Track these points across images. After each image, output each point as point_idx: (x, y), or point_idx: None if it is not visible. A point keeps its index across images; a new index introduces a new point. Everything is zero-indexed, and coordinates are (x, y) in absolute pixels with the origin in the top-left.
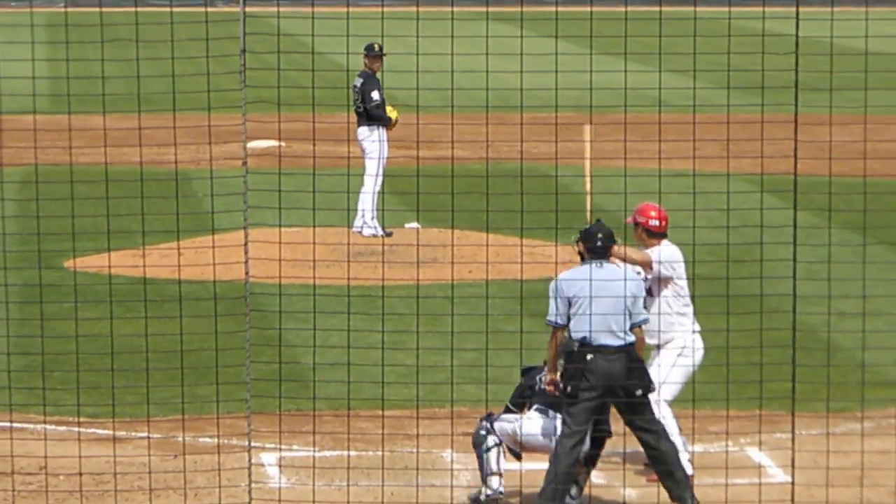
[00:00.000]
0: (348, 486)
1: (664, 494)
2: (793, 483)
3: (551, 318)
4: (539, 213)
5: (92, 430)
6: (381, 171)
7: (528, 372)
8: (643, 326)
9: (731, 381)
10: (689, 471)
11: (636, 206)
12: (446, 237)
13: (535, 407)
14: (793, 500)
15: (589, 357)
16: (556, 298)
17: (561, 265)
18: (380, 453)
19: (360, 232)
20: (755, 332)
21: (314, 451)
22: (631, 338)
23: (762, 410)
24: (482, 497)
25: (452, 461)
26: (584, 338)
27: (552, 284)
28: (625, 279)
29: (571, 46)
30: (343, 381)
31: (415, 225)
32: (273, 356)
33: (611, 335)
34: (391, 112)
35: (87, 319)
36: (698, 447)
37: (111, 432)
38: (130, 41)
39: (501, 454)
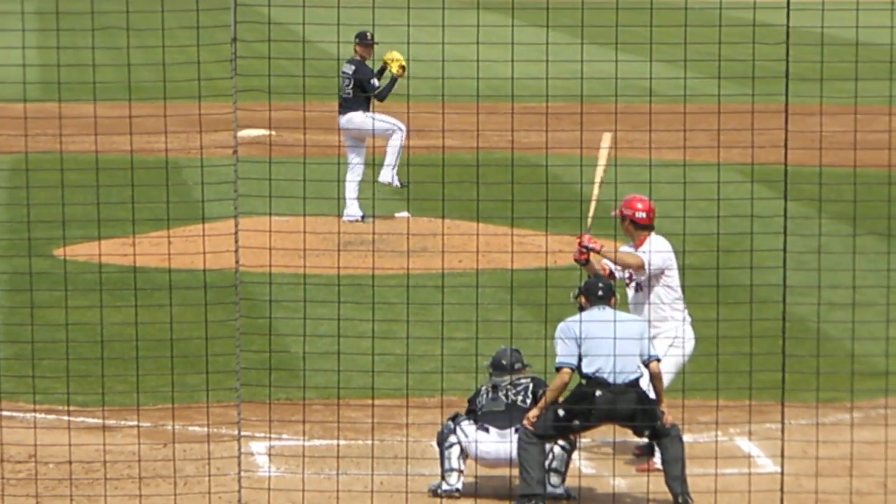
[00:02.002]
0: (338, 475)
1: (654, 484)
2: (782, 473)
3: (563, 359)
4: (529, 202)
5: (81, 418)
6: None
7: (498, 367)
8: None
9: (721, 371)
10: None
11: (623, 197)
12: (436, 226)
13: (474, 419)
14: (782, 489)
15: (598, 393)
16: (565, 340)
17: (551, 254)
18: (369, 442)
19: (362, 219)
20: (745, 322)
21: (304, 440)
22: (638, 373)
23: (752, 400)
24: (440, 490)
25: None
26: (593, 374)
27: (560, 326)
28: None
29: (562, 36)
30: (333, 370)
31: (405, 214)
32: (263, 345)
33: (620, 374)
34: (393, 64)
35: (76, 308)
36: (688, 437)
37: (101, 421)
38: (121, 29)
39: (461, 453)
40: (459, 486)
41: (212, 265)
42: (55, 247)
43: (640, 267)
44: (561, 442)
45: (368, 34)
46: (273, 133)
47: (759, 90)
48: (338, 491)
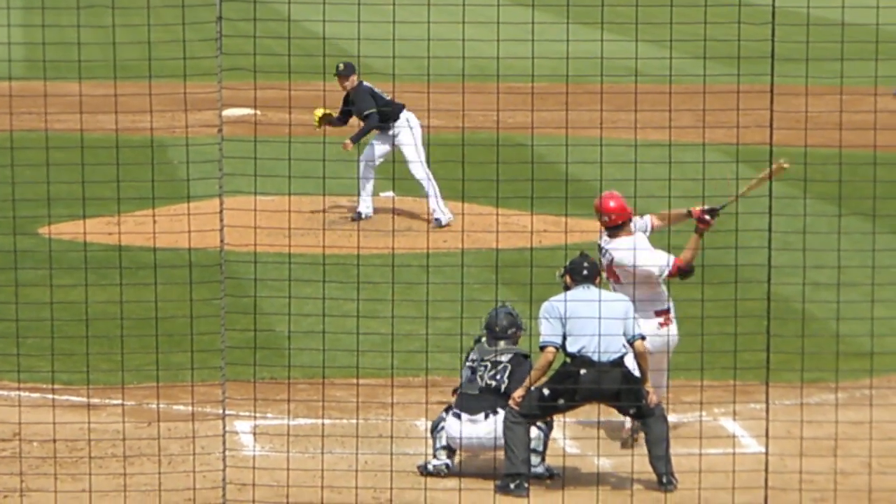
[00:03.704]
0: (322, 454)
1: (638, 463)
2: (766, 453)
3: (547, 338)
4: (515, 182)
5: (66, 396)
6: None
7: (491, 332)
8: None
9: (706, 351)
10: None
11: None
12: (421, 206)
13: (448, 408)
14: (766, 470)
15: (583, 372)
16: (549, 319)
17: (536, 234)
18: (354, 422)
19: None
20: (730, 302)
21: (288, 419)
22: (623, 352)
23: (736, 381)
24: (430, 467)
25: (427, 430)
26: (578, 352)
27: (544, 306)
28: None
29: (548, 16)
30: (317, 349)
31: (390, 194)
32: (248, 324)
33: (605, 353)
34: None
35: (61, 286)
36: (672, 417)
37: (85, 399)
38: (106, 7)
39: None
40: (450, 463)
41: (196, 244)
42: (40, 225)
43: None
44: (538, 422)
45: (340, 65)
46: (258, 112)
47: (744, 70)
48: (322, 470)
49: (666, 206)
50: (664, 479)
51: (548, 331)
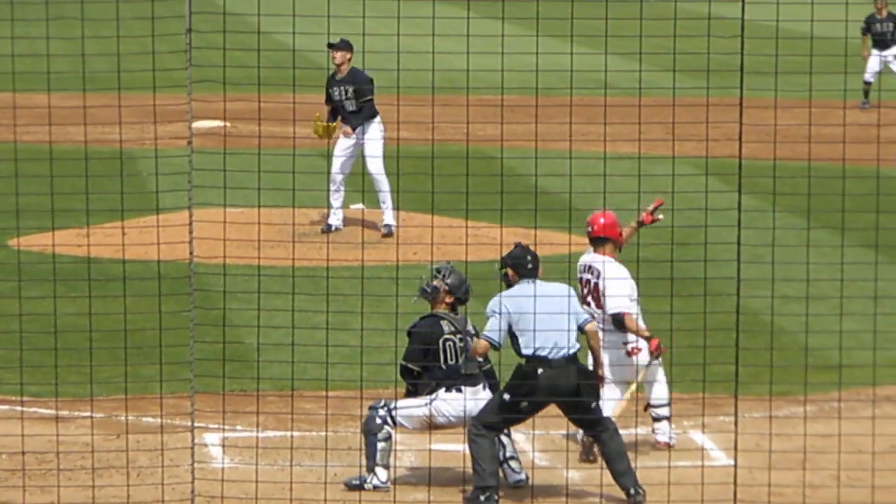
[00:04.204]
0: (291, 466)
1: (607, 476)
2: (735, 466)
3: (490, 333)
4: (484, 194)
5: (35, 409)
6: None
7: (414, 334)
8: (591, 325)
9: (675, 363)
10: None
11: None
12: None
13: (445, 388)
14: (735, 482)
15: (539, 371)
16: (499, 315)
17: (506, 247)
18: (323, 434)
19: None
20: (699, 315)
21: (257, 431)
22: (577, 347)
23: (705, 393)
24: (367, 485)
25: (395, 442)
26: (534, 352)
27: (494, 301)
28: (568, 295)
29: (518, 28)
30: (287, 361)
31: (360, 206)
32: (217, 336)
33: (558, 348)
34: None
35: (30, 298)
36: (642, 430)
37: (54, 411)
38: (75, 19)
39: (392, 448)
40: (389, 483)
41: (166, 256)
42: (9, 237)
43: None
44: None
45: (339, 39)
46: (228, 124)
47: (713, 83)
48: (291, 482)
49: (634, 218)
50: (632, 492)
51: (492, 326)
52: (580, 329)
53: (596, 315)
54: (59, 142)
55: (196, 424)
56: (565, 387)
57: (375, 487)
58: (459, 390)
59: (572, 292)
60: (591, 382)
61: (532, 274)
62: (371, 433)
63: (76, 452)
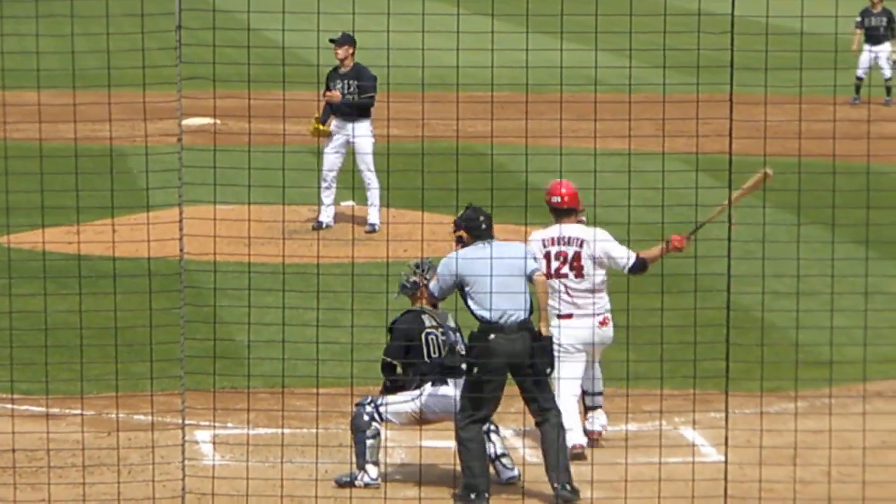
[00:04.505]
0: (282, 463)
1: (598, 472)
2: (726, 462)
3: (432, 288)
4: (474, 191)
5: (25, 406)
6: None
7: (396, 330)
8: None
9: (665, 360)
10: (574, 439)
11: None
12: (382, 215)
13: (431, 382)
14: (726, 478)
15: (491, 337)
16: (446, 275)
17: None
18: (314, 431)
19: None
20: (690, 311)
21: (248, 428)
22: (529, 311)
23: (696, 389)
24: (357, 482)
25: (386, 439)
26: (485, 317)
27: (445, 260)
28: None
29: (508, 25)
30: (277, 358)
31: (350, 203)
32: (207, 333)
33: (510, 313)
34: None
35: (20, 296)
36: (632, 426)
37: (45, 409)
38: (65, 17)
39: (381, 444)
40: (379, 480)
41: (156, 253)
42: None
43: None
44: (491, 427)
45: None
46: (218, 121)
47: (703, 80)
48: (282, 479)
49: (625, 214)
50: (557, 487)
51: (437, 284)
52: (528, 278)
53: (572, 285)
54: (48, 139)
55: (187, 421)
56: (520, 351)
57: (366, 484)
58: (445, 383)
59: (529, 252)
60: (545, 346)
61: (486, 235)
62: (359, 430)
63: (67, 450)
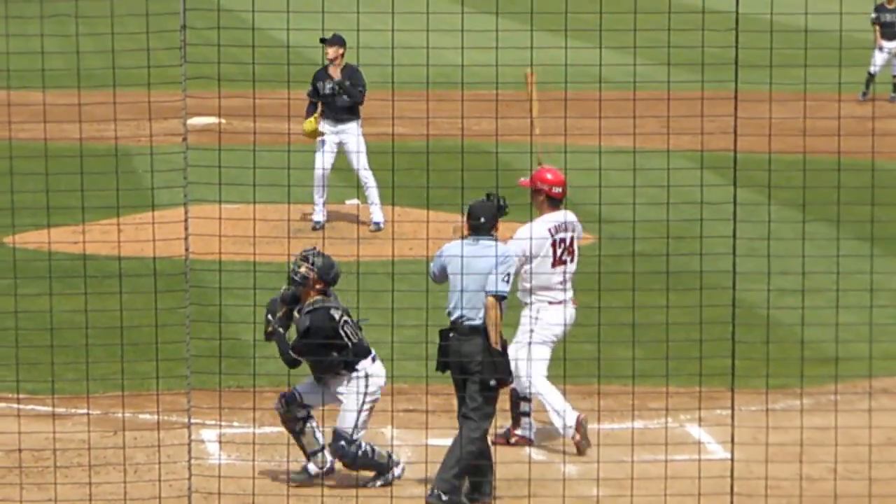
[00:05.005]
0: (288, 462)
1: (604, 471)
2: (732, 459)
3: (434, 271)
4: (480, 189)
5: (31, 406)
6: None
7: (312, 331)
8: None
9: (671, 357)
10: (571, 418)
11: (539, 169)
12: (387, 214)
13: (369, 360)
14: (732, 476)
15: (451, 335)
16: (437, 266)
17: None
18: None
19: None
20: (695, 308)
21: (254, 427)
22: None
23: (702, 387)
24: (314, 472)
25: (392, 437)
26: (450, 314)
27: (438, 252)
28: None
29: (512, 23)
30: None
31: (355, 202)
32: (213, 332)
33: (471, 313)
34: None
35: (26, 295)
36: (638, 423)
37: (51, 408)
38: (70, 17)
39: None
40: (331, 460)
41: (162, 253)
42: (5, 234)
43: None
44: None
45: (333, 35)
46: (223, 121)
47: (708, 77)
48: (288, 478)
49: (630, 212)
50: (434, 491)
51: (432, 267)
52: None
53: (569, 271)
54: (54, 139)
55: (193, 421)
56: (468, 353)
57: (324, 471)
58: (374, 358)
59: (504, 260)
60: (497, 359)
61: (482, 230)
62: (368, 462)
63: (73, 449)
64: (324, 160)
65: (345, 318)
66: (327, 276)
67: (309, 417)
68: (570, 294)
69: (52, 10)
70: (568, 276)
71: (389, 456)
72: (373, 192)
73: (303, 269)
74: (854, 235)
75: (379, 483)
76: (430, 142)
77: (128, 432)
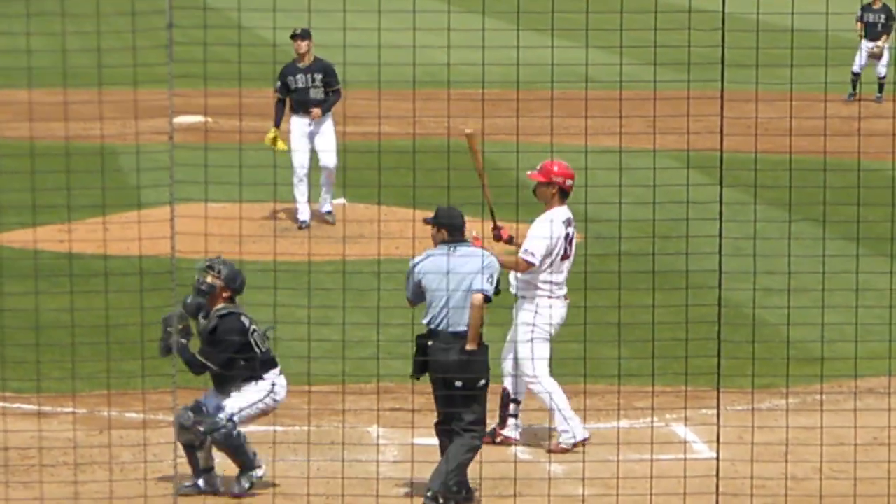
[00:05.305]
0: (274, 461)
1: (590, 470)
2: (718, 458)
3: (408, 293)
4: (466, 189)
5: (17, 404)
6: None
7: (226, 337)
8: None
9: (657, 356)
10: (581, 434)
11: (547, 162)
12: (373, 213)
13: (275, 370)
14: (717, 475)
15: (429, 344)
16: (411, 284)
17: (487, 241)
18: (306, 428)
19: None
20: (681, 308)
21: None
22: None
23: (688, 386)
24: (250, 482)
25: (378, 436)
26: (429, 323)
27: (409, 269)
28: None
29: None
30: None
31: (342, 200)
32: None
33: (451, 322)
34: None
35: (12, 294)
36: (624, 423)
37: (36, 407)
38: (56, 15)
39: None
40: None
41: (148, 251)
42: None
43: (518, 269)
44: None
45: (298, 29)
46: (209, 119)
47: (694, 76)
48: (274, 477)
49: (616, 211)
50: (429, 494)
51: (407, 287)
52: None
53: (569, 265)
54: (40, 137)
55: None
56: (448, 361)
57: (259, 479)
58: (280, 372)
59: (486, 265)
60: (476, 360)
61: (458, 237)
62: (237, 446)
63: (59, 448)
64: (301, 157)
65: (253, 326)
66: (233, 283)
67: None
68: (565, 290)
69: (37, 8)
70: (568, 271)
71: (255, 454)
72: (331, 189)
73: (209, 279)
74: (840, 235)
75: (240, 488)
76: (416, 141)
77: (114, 431)
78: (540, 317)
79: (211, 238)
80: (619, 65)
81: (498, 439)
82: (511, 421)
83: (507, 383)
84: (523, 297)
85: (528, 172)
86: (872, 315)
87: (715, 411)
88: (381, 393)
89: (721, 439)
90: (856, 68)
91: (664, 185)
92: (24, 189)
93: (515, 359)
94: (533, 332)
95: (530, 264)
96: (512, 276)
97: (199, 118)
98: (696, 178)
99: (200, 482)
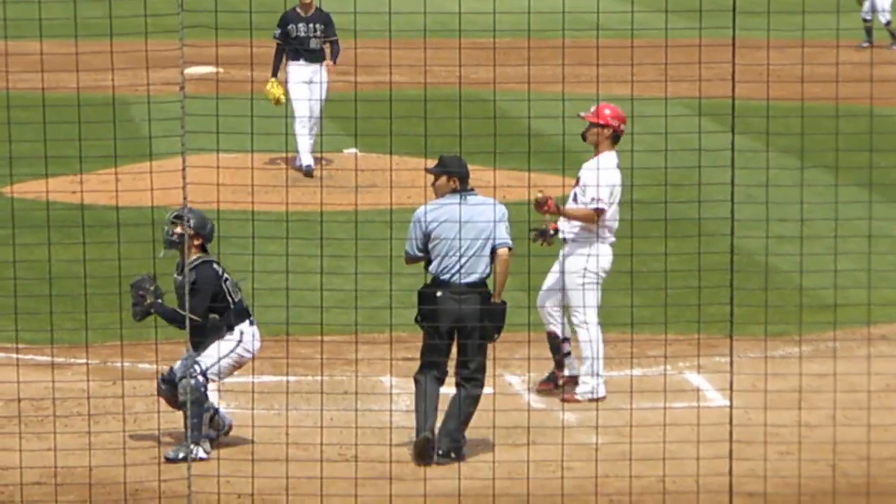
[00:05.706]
0: (287, 411)
1: (603, 417)
2: (731, 406)
3: (406, 244)
4: (478, 137)
5: (30, 356)
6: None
7: (201, 286)
8: (504, 249)
9: (670, 304)
10: (601, 392)
11: (599, 105)
12: (385, 162)
13: (246, 322)
14: (731, 423)
15: (438, 294)
16: (417, 234)
17: (500, 189)
18: (319, 378)
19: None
20: (693, 255)
21: (253, 376)
22: (485, 273)
23: (701, 334)
24: (191, 457)
25: (391, 386)
26: (437, 273)
27: (414, 219)
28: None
29: None
30: (282, 306)
31: (353, 150)
32: None
33: (465, 273)
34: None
35: (24, 245)
36: (637, 371)
37: (50, 358)
38: None
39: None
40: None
41: (160, 202)
42: (3, 184)
43: (592, 220)
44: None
45: None
46: (220, 70)
47: (706, 24)
48: (287, 427)
49: (629, 160)
50: (440, 451)
51: (408, 235)
52: (493, 251)
53: None
54: (51, 89)
55: None
56: (466, 312)
57: (201, 459)
58: (252, 322)
59: (501, 215)
60: (496, 311)
61: (465, 186)
62: (199, 403)
63: (72, 399)
64: (305, 106)
65: (225, 275)
66: (203, 230)
67: (210, 406)
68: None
69: None
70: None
71: (211, 439)
72: (309, 139)
73: (178, 230)
74: (853, 182)
75: (171, 455)
76: (427, 90)
77: (127, 382)
78: (592, 262)
79: (223, 188)
80: (630, 12)
81: (561, 381)
82: (566, 360)
83: (554, 327)
84: (575, 242)
85: (582, 114)
86: (885, 262)
87: (728, 359)
88: (393, 342)
89: (734, 387)
90: (864, 14)
91: (676, 132)
92: (36, 140)
93: (560, 304)
94: (585, 276)
95: (603, 212)
96: (562, 221)
97: (210, 68)
98: (708, 126)
99: (210, 431)
